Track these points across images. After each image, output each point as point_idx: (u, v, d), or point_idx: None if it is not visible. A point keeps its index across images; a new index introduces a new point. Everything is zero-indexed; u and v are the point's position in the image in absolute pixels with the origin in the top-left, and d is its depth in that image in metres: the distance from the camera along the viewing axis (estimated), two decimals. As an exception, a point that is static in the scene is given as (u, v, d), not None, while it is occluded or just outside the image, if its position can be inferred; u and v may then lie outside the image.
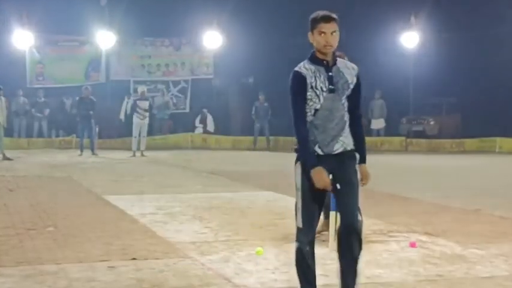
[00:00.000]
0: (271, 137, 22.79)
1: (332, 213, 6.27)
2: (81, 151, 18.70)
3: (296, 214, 4.41)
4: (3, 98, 17.39)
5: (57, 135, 23.62)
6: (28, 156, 18.48)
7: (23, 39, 22.31)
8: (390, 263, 5.78)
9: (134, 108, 19.11)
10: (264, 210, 8.76)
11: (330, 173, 4.17)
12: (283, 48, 23.68)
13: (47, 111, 23.32)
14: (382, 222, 7.76)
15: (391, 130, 23.86)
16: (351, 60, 4.49)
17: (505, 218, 8.25)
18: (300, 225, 4.39)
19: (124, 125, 22.29)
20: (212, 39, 23.59)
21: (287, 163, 17.31)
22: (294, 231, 4.57)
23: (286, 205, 9.09)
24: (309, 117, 4.19)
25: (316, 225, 4.49)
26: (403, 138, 23.47)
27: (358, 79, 4.27)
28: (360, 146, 4.29)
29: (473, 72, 23.65)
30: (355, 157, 4.27)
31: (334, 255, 6.06)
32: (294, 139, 4.35)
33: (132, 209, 8.65)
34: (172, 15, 22.69)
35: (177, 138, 23.75)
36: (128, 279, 5.17)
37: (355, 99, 4.28)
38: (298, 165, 4.31)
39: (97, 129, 19.78)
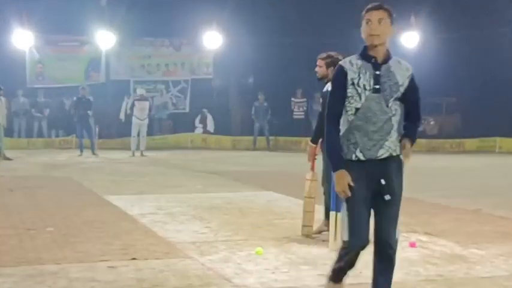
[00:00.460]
0: (270, 137, 22.80)
1: (332, 213, 6.28)
2: (81, 151, 18.69)
3: (343, 228, 4.05)
4: (3, 99, 17.39)
5: (57, 135, 23.63)
6: (28, 156, 18.48)
7: (23, 39, 22.27)
8: (390, 263, 5.78)
9: (132, 109, 19.14)
10: (264, 210, 8.76)
11: (374, 180, 3.88)
12: (283, 48, 23.68)
13: (47, 111, 23.33)
14: (382, 222, 7.75)
15: (391, 130, 23.82)
16: None
17: (505, 218, 8.25)
18: (346, 238, 4.00)
19: (124, 125, 22.26)
20: (212, 39, 23.56)
21: (287, 163, 17.22)
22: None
23: (286, 205, 9.10)
24: (350, 117, 3.89)
25: (367, 235, 4.03)
26: (403, 138, 23.44)
27: (412, 81, 3.97)
28: (410, 126, 4.04)
29: (473, 72, 23.66)
30: (401, 164, 3.95)
31: (334, 255, 6.08)
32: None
33: (132, 209, 8.64)
34: (172, 15, 22.67)
35: (177, 138, 23.76)
36: (128, 279, 5.17)
37: (411, 102, 4.01)
38: None
39: (97, 129, 19.79)
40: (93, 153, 18.55)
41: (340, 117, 3.91)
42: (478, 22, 22.83)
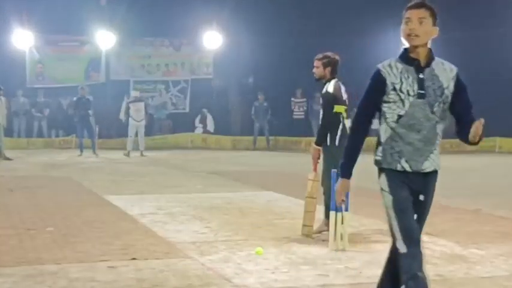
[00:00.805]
0: (270, 137, 22.80)
1: (332, 213, 6.28)
2: (81, 151, 18.70)
3: (395, 238, 3.61)
4: (3, 98, 17.40)
5: (57, 135, 23.64)
6: (28, 156, 18.48)
7: (23, 39, 22.30)
8: (390, 263, 5.77)
9: (127, 111, 19.13)
10: (264, 210, 8.76)
11: (414, 194, 3.62)
12: (283, 48, 23.69)
13: (46, 111, 23.34)
14: (382, 222, 7.74)
15: (391, 130, 23.83)
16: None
17: (505, 218, 8.25)
18: (404, 250, 3.55)
19: (124, 125, 22.26)
20: (212, 39, 23.59)
21: (287, 163, 17.17)
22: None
23: (286, 205, 9.10)
24: (392, 124, 3.59)
25: (420, 241, 3.61)
26: (403, 138, 23.44)
27: (458, 82, 3.66)
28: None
29: (473, 72, 23.64)
30: (436, 181, 3.71)
31: (334, 255, 6.09)
32: (373, 146, 3.72)
33: (132, 209, 8.64)
34: (172, 15, 22.67)
35: (177, 138, 23.75)
36: (128, 279, 5.17)
37: (461, 104, 3.70)
38: (383, 177, 3.65)
39: (97, 129, 19.80)
40: (94, 153, 18.56)
41: (368, 122, 3.68)
42: (477, 22, 22.83)
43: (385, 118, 3.63)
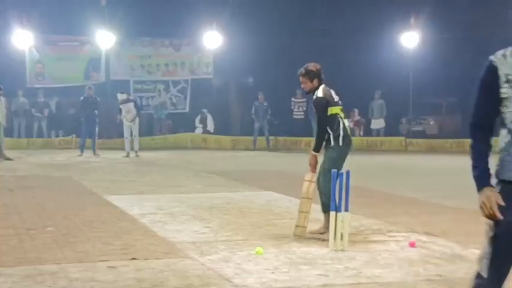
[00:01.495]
0: (270, 137, 22.80)
1: (332, 213, 6.28)
2: (82, 151, 18.69)
3: (481, 259, 3.21)
4: (3, 98, 17.40)
5: (57, 135, 23.65)
6: (28, 156, 18.48)
7: (23, 39, 22.31)
8: (390, 263, 5.79)
9: (119, 113, 19.10)
10: (264, 210, 8.76)
11: None
12: (282, 48, 23.70)
13: (46, 111, 23.36)
14: (382, 222, 7.76)
15: (391, 130, 23.88)
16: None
17: (505, 218, 8.23)
18: (485, 275, 3.19)
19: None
20: (212, 39, 23.60)
21: (287, 163, 17.15)
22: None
23: (286, 205, 9.10)
24: (510, 125, 3.01)
25: (505, 279, 3.17)
26: (403, 138, 23.49)
27: None
28: None
29: (473, 72, 23.66)
30: None
31: (334, 255, 6.09)
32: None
33: (132, 209, 8.64)
34: (172, 15, 22.70)
35: (177, 138, 23.76)
36: (127, 279, 5.17)
37: None
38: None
39: (97, 129, 19.81)
40: (94, 154, 18.56)
41: (488, 125, 3.10)
42: (478, 22, 22.84)
43: (503, 120, 3.08)
